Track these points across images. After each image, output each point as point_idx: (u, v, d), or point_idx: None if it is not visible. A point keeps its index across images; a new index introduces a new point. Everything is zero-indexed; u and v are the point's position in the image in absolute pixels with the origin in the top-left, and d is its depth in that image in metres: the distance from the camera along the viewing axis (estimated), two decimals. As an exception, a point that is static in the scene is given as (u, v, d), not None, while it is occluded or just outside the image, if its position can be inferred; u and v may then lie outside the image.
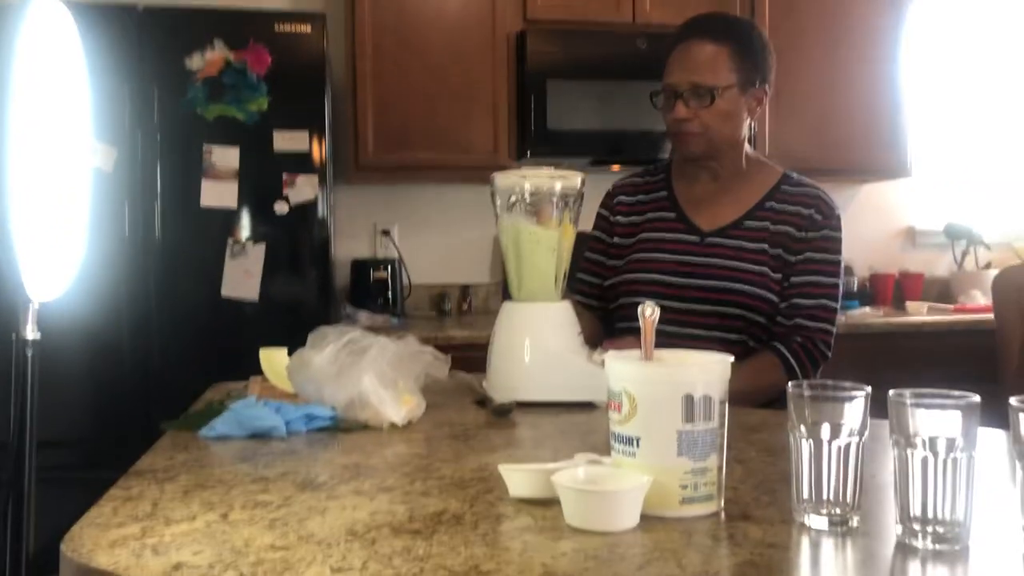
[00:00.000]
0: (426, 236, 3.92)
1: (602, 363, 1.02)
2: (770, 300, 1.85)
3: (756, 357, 1.85)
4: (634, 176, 2.09)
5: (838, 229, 1.90)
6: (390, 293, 3.63)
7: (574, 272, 1.87)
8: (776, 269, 1.87)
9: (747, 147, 1.98)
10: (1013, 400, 0.83)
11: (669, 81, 1.88)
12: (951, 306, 3.84)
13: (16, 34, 1.28)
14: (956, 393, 0.85)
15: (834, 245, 1.89)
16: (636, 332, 1.05)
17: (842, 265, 1.92)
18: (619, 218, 2.04)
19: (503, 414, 1.53)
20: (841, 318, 3.52)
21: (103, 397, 2.89)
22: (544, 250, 1.66)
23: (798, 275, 1.87)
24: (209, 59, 2.89)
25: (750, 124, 1.95)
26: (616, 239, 2.03)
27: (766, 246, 1.87)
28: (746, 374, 1.73)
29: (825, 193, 1.93)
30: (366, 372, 1.43)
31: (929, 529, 0.85)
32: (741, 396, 1.54)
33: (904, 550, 0.85)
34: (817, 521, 0.91)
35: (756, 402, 1.73)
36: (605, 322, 2.05)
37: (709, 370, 0.96)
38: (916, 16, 4.00)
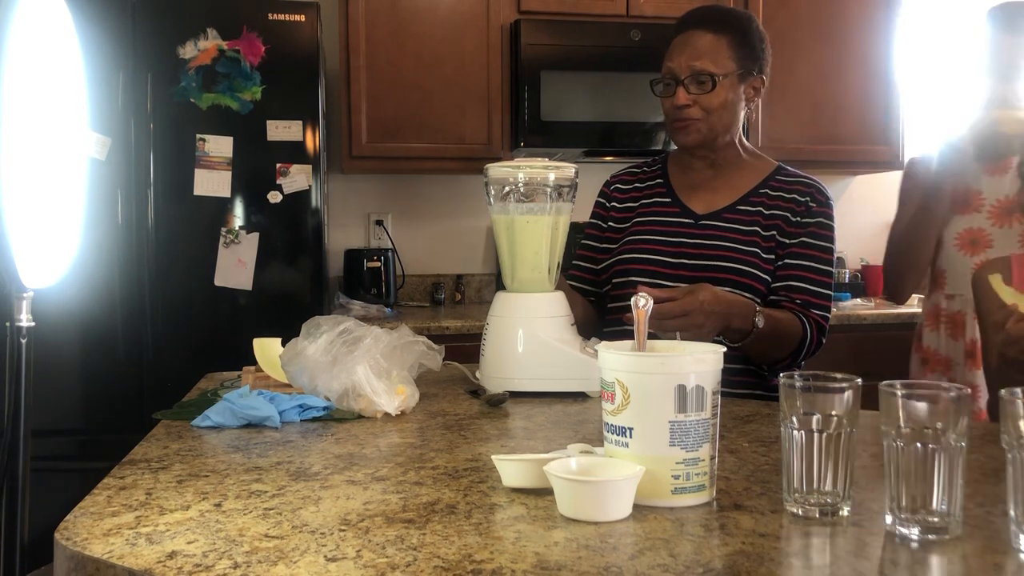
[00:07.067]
0: (420, 226, 3.92)
1: (595, 353, 1.02)
2: (761, 278, 1.87)
3: (780, 309, 1.87)
4: (632, 167, 2.13)
5: (832, 219, 1.93)
6: (383, 283, 3.63)
7: (568, 262, 1.88)
8: (768, 250, 1.88)
9: (742, 138, 1.99)
10: (1003, 392, 0.84)
11: (670, 65, 1.91)
12: (942, 298, 3.84)
13: (10, 22, 1.27)
14: (946, 384, 0.86)
15: (829, 233, 1.92)
16: (628, 312, 1.05)
17: (835, 255, 1.94)
18: (615, 204, 2.07)
19: (496, 404, 1.54)
20: (832, 309, 3.56)
21: (96, 386, 2.88)
22: (537, 240, 1.67)
23: (795, 258, 1.88)
24: (203, 48, 2.88)
25: (745, 115, 1.97)
26: (611, 223, 2.05)
27: (759, 228, 1.89)
28: (776, 316, 1.79)
29: (821, 183, 1.95)
30: (360, 362, 1.44)
31: (919, 519, 0.86)
32: (771, 330, 1.75)
33: (894, 540, 0.86)
34: (808, 511, 0.92)
35: (779, 344, 1.82)
36: (599, 306, 2.07)
37: (702, 360, 0.97)
38: (909, 8, 4.00)
